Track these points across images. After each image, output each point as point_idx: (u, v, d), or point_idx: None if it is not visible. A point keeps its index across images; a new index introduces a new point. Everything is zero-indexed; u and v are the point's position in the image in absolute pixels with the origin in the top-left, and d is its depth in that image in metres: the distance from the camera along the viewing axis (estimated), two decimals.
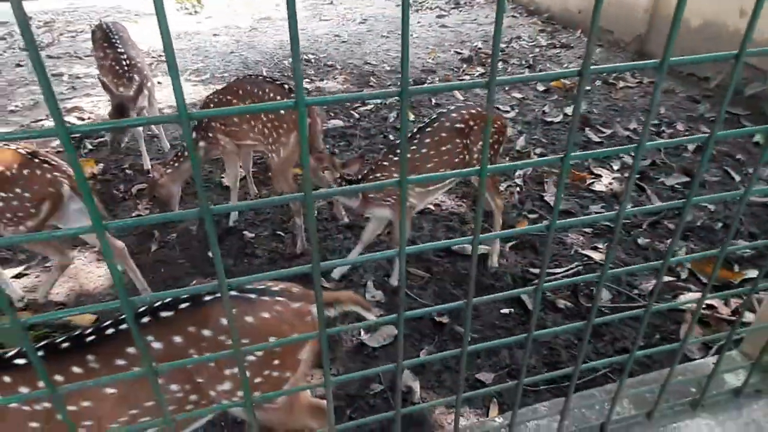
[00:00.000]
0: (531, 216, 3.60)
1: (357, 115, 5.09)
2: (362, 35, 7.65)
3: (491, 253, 3.14)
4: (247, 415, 1.65)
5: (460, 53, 6.67)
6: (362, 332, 2.71)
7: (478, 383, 2.43)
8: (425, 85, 5.61)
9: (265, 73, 5.99)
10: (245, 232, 3.49)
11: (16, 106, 5.48)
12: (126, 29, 4.39)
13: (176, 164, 3.28)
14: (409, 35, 6.46)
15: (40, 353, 1.52)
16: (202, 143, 3.26)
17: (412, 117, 5.03)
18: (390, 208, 2.84)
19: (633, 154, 0.74)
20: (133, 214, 3.72)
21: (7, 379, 1.45)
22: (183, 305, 1.58)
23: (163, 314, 1.57)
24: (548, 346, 2.62)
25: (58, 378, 1.47)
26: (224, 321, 1.57)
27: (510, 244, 3.32)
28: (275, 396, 0.95)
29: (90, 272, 3.23)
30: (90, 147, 4.62)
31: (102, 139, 4.73)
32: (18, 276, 3.17)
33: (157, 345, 1.52)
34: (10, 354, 1.52)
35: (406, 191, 0.67)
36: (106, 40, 4.03)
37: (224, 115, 0.59)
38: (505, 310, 2.83)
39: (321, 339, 0.77)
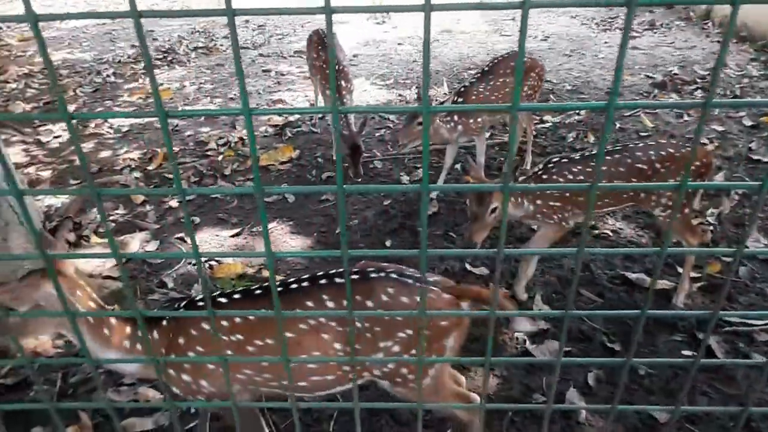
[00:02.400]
0: (725, 259, 3.28)
1: (534, 132, 5.06)
2: (543, 53, 7.56)
3: (678, 290, 2.94)
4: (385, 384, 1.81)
5: (651, 77, 6.26)
6: (528, 341, 2.74)
7: (651, 419, 2.31)
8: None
9: (446, 84, 6.25)
10: (420, 229, 3.70)
11: (234, 95, 6.44)
12: (337, 35, 4.91)
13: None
14: (595, 55, 6.22)
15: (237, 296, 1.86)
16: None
17: (592, 139, 4.87)
18: (551, 225, 2.82)
19: None
20: (323, 198, 4.17)
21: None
22: (354, 276, 1.78)
23: (337, 280, 1.79)
24: (739, 399, 2.39)
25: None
26: (384, 297, 1.72)
27: (698, 285, 3.07)
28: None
29: (285, 242, 3.70)
30: (289, 134, 5.26)
31: (299, 129, 5.35)
32: (234, 236, 3.76)
33: (330, 304, 1.74)
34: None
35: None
36: (321, 43, 4.57)
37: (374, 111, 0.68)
38: (687, 352, 2.64)
39: (489, 323, 0.85)
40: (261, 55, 8.07)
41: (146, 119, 5.75)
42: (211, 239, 3.75)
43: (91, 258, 0.91)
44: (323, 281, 1.80)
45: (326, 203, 4.09)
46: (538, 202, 2.76)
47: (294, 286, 1.82)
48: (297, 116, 5.57)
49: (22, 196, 0.65)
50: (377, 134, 5.21)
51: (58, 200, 4.15)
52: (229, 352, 1.76)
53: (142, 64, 7.69)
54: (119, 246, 3.66)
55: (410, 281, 1.78)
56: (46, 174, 4.67)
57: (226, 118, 5.59)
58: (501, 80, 4.08)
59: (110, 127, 5.60)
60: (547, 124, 5.25)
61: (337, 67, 4.39)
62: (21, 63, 7.85)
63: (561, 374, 2.54)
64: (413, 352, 1.76)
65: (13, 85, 6.87)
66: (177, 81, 7.00)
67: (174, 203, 4.16)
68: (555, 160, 2.85)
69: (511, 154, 0.63)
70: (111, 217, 4.00)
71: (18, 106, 6.12)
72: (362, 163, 4.46)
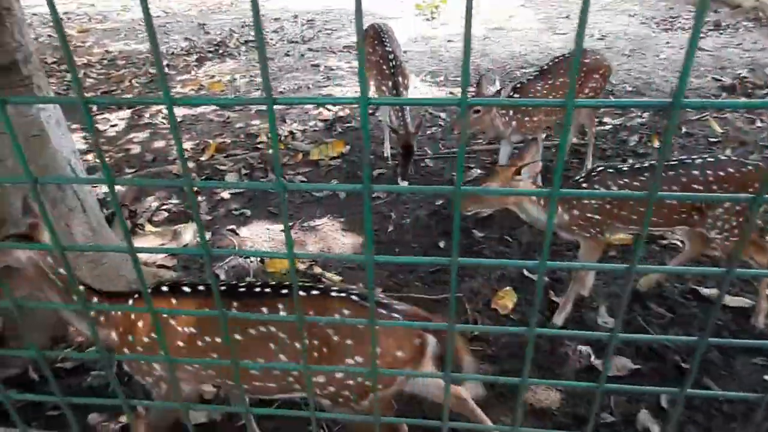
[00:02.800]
0: None
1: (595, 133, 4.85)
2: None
3: (757, 311, 2.72)
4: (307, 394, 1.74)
5: (719, 80, 5.92)
6: (593, 356, 2.59)
7: None
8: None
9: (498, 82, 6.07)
10: (474, 231, 3.59)
11: (283, 89, 6.44)
12: (393, 30, 4.81)
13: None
14: (656, 56, 5.92)
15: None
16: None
17: (656, 144, 4.63)
18: (586, 238, 2.63)
19: None
20: (373, 195, 4.10)
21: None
22: (315, 291, 1.80)
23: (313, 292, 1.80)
24: None
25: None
26: (337, 316, 1.72)
27: None
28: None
29: (336, 239, 3.64)
30: (340, 129, 5.21)
31: (349, 124, 5.30)
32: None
33: (283, 313, 1.76)
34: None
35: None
36: (377, 38, 4.48)
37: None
38: None
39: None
40: (310, 49, 8.07)
41: (198, 110, 5.82)
42: (262, 233, 3.73)
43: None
44: (284, 291, 1.81)
45: (378, 200, 4.02)
46: (575, 212, 2.55)
47: (257, 290, 1.83)
48: (348, 111, 5.52)
49: (114, 184, 0.63)
50: (428, 132, 5.10)
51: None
52: (180, 343, 1.79)
53: (194, 57, 7.82)
54: (173, 235, 3.69)
55: (368, 305, 1.71)
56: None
57: (276, 112, 5.59)
58: (561, 80, 3.91)
59: (164, 118, 5.68)
60: (607, 127, 5.02)
61: (393, 62, 4.31)
62: (80, 53, 8.10)
63: (631, 394, 2.38)
64: (359, 380, 1.72)
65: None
66: (228, 74, 7.07)
67: (226, 195, 4.17)
68: (600, 168, 2.65)
69: (561, 155, 0.52)
70: (164, 206, 4.04)
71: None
72: (414, 161, 4.37)
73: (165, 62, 7.56)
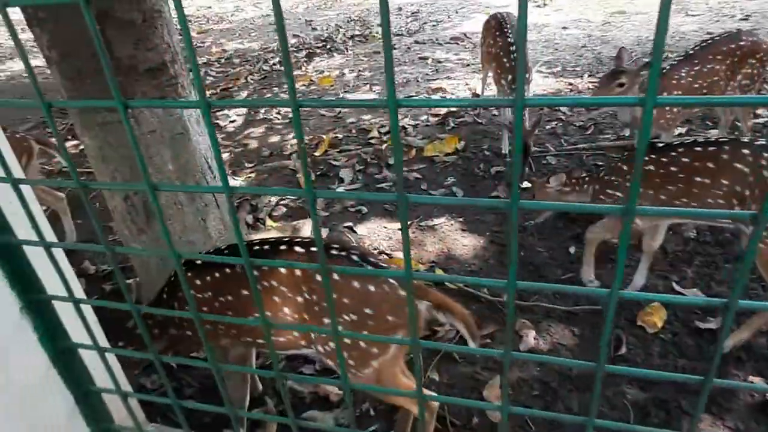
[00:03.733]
0: None
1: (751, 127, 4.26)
2: None
3: (734, 335, 2.23)
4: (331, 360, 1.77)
5: None
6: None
7: None
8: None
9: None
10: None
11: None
12: (513, 17, 4.53)
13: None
14: None
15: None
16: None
17: None
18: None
19: None
20: (493, 194, 3.89)
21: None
22: (314, 248, 1.78)
23: (297, 248, 1.81)
24: None
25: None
26: (336, 276, 1.68)
27: None
28: None
29: (455, 240, 3.49)
30: (453, 124, 5.04)
31: (463, 119, 5.11)
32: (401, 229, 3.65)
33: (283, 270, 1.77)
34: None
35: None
36: (499, 28, 4.24)
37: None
38: None
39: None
40: (416, 42, 7.95)
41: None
42: (379, 230, 3.67)
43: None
44: (283, 247, 1.83)
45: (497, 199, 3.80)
46: (597, 186, 2.74)
47: (266, 247, 1.86)
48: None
49: (232, 193, 0.60)
50: (548, 127, 4.77)
51: (236, 182, 4.39)
52: (204, 308, 1.88)
53: (303, 53, 8.01)
54: (293, 231, 3.74)
55: (369, 267, 1.73)
56: (224, 156, 4.98)
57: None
58: (709, 66, 3.45)
59: (278, 113, 5.85)
60: (761, 119, 4.39)
61: (515, 54, 4.05)
62: (200, 53, 8.61)
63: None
64: (362, 345, 1.74)
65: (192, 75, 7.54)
66: (337, 69, 7.15)
67: (341, 190, 4.16)
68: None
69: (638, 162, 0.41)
70: (283, 202, 4.12)
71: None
72: (533, 158, 4.11)
73: (276, 59, 7.82)
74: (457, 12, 9.50)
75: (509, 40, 4.11)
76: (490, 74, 4.42)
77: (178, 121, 2.54)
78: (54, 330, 0.93)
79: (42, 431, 0.95)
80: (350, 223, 3.74)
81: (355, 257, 1.78)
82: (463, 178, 4.14)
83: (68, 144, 5.21)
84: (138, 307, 0.74)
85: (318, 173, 4.48)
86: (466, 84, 5.99)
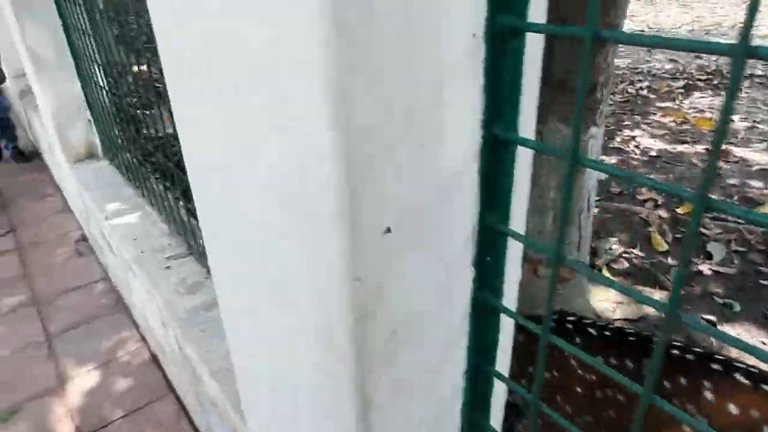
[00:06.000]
0: None
1: None
2: None
3: None
4: None
5: None
6: None
7: None
8: None
9: None
10: None
11: None
12: None
13: None
14: None
15: None
16: None
17: None
18: None
19: None
20: None
21: None
22: None
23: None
24: None
25: None
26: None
27: None
28: None
29: None
30: None
31: None
32: None
33: None
34: None
35: None
36: None
37: None
38: None
39: None
40: None
41: (679, 147, 5.02)
42: (751, 342, 2.77)
43: None
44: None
45: None
46: None
47: None
48: None
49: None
50: None
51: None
52: None
53: (680, 83, 6.90)
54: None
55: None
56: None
57: None
58: None
59: (636, 146, 5.13)
60: None
61: None
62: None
63: None
64: None
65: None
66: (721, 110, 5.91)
67: (706, 269, 3.33)
68: None
69: None
70: (626, 254, 3.52)
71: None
72: None
73: (645, 83, 6.95)
74: None
75: None
76: None
77: (583, 149, 2.24)
78: None
79: None
80: (711, 317, 2.93)
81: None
82: None
83: None
84: None
85: (675, 234, 3.70)
86: None
